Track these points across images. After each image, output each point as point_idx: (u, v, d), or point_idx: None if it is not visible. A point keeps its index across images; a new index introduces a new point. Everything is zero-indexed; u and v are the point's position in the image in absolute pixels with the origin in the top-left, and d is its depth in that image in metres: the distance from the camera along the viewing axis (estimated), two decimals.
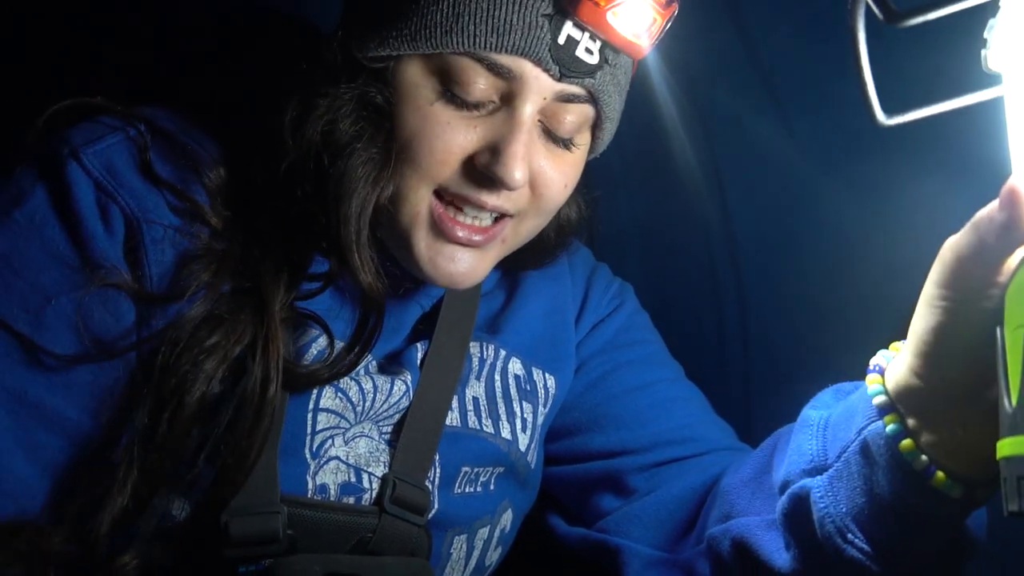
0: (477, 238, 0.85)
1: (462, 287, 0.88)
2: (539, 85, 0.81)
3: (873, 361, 0.72)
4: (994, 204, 0.59)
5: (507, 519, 0.98)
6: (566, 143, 0.85)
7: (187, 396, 0.76)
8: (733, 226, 1.22)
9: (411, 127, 0.82)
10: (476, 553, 0.95)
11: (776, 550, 0.80)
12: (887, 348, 0.73)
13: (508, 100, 0.82)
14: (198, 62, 0.98)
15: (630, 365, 1.06)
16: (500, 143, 0.81)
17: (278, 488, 0.80)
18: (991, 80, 0.59)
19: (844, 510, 0.72)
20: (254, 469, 0.78)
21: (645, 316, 1.12)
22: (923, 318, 0.64)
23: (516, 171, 0.81)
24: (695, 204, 1.26)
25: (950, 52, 0.61)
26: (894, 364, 0.69)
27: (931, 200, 1.00)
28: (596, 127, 0.88)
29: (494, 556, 0.98)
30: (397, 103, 0.82)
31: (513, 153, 0.80)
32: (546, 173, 0.85)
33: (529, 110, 0.81)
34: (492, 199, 0.83)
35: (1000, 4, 0.53)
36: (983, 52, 0.57)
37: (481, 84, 0.80)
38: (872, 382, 0.71)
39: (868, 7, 0.56)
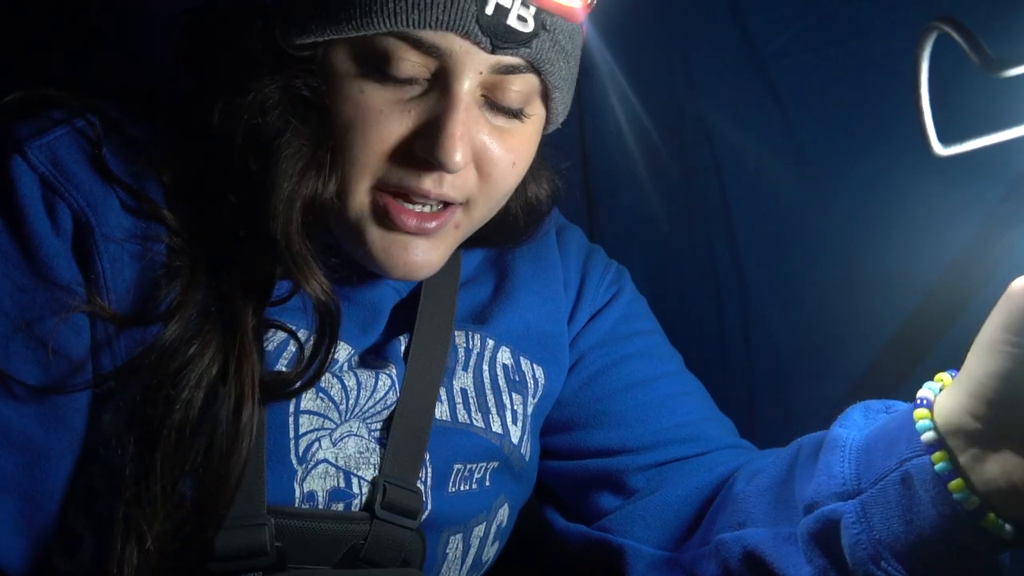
0: (430, 225, 0.82)
1: (418, 278, 0.86)
2: (471, 60, 0.77)
3: (920, 394, 0.71)
4: None
5: (503, 514, 0.96)
6: (514, 115, 0.82)
7: (168, 422, 0.74)
8: (735, 227, 1.23)
9: (344, 118, 0.79)
10: (472, 551, 0.93)
11: (794, 565, 0.79)
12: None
13: (441, 78, 0.78)
14: (151, 61, 0.95)
15: (630, 359, 1.03)
16: (435, 124, 0.77)
17: (264, 500, 0.78)
18: None
19: (878, 537, 0.71)
20: (236, 493, 0.76)
21: (643, 302, 1.09)
22: (985, 361, 0.63)
23: (455, 152, 0.77)
24: (697, 206, 1.26)
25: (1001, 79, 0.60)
26: (945, 401, 0.68)
27: (934, 203, 1.01)
28: (546, 98, 0.85)
29: (491, 551, 0.97)
30: (329, 94, 0.79)
31: (450, 133, 0.77)
32: (491, 151, 0.82)
33: (464, 87, 0.78)
34: (435, 187, 0.80)
35: None
36: None
37: (410, 64, 0.77)
38: (920, 417, 0.69)
39: (939, 39, 0.54)
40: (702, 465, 0.97)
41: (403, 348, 0.91)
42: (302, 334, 0.83)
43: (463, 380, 0.94)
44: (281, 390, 0.80)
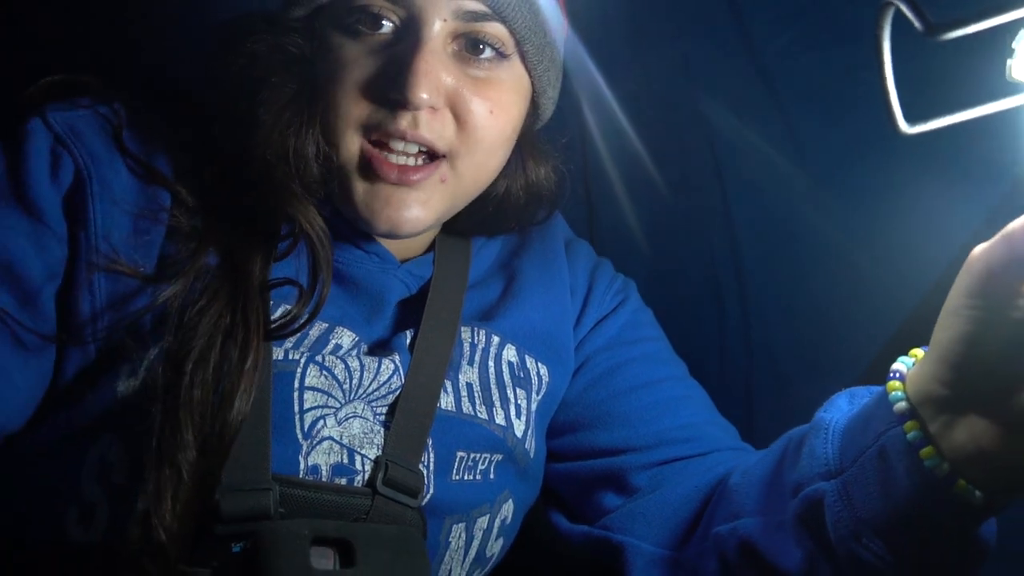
0: (413, 176, 0.86)
1: (404, 233, 0.89)
2: (434, 6, 0.84)
3: (893, 367, 0.72)
4: None
5: (508, 510, 0.97)
6: (488, 64, 0.88)
7: (191, 356, 0.77)
8: (735, 228, 1.23)
9: (326, 70, 0.86)
10: (476, 543, 0.94)
11: (785, 551, 0.80)
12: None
13: (410, 25, 0.85)
14: (185, 56, 1.02)
15: (634, 362, 1.05)
16: (402, 63, 0.83)
17: (269, 466, 0.80)
18: (1012, 88, 0.60)
19: (859, 514, 0.73)
20: (239, 440, 0.78)
21: (649, 312, 1.12)
22: (949, 327, 0.65)
23: (419, 87, 0.82)
24: (697, 207, 1.26)
25: (971, 59, 0.61)
26: (915, 371, 0.70)
27: (934, 203, 1.02)
28: (521, 52, 0.90)
29: (495, 547, 0.98)
30: (313, 52, 0.88)
31: (413, 69, 0.82)
32: (465, 97, 0.87)
33: (430, 30, 0.84)
34: (411, 128, 0.85)
35: None
36: (1008, 62, 0.57)
37: (380, 15, 0.85)
38: (892, 388, 0.71)
39: (896, 15, 0.56)
40: (703, 465, 0.99)
41: (408, 341, 0.93)
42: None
43: (469, 375, 0.95)
44: (285, 327, 0.83)
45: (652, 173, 1.26)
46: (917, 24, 0.54)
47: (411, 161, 0.87)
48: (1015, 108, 0.60)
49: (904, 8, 0.54)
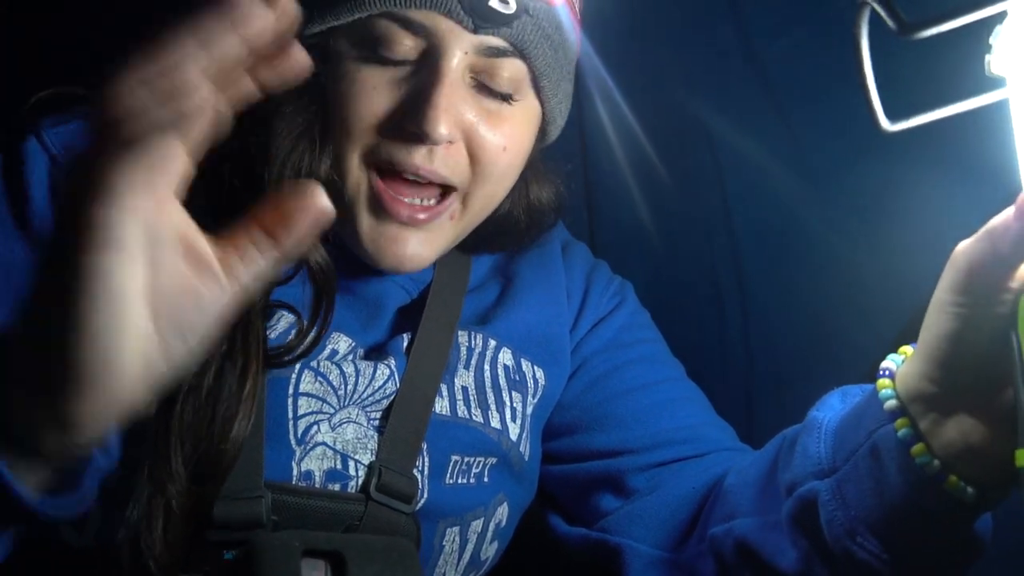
0: (421, 216, 0.85)
1: (408, 270, 0.89)
2: (455, 39, 0.82)
3: (883, 365, 0.72)
4: (1009, 212, 0.60)
5: (503, 513, 0.97)
6: (504, 98, 0.86)
7: (184, 387, 0.76)
8: (736, 231, 1.23)
9: (340, 94, 0.84)
10: (470, 546, 0.94)
11: (780, 551, 0.80)
12: (893, 352, 0.74)
13: (429, 57, 0.83)
14: None
15: (632, 364, 1.05)
16: (421, 96, 0.82)
17: (262, 473, 0.80)
18: (993, 84, 0.60)
19: (853, 513, 0.72)
20: (237, 458, 0.78)
21: (646, 314, 1.12)
22: (935, 324, 0.65)
23: (438, 122, 0.81)
24: (697, 209, 1.26)
25: (950, 56, 0.61)
26: (905, 368, 0.70)
27: (934, 204, 1.01)
28: (537, 89, 0.89)
29: (490, 551, 0.98)
30: (327, 76, 0.85)
31: (433, 104, 0.81)
32: (480, 132, 0.86)
33: (450, 63, 0.82)
34: (425, 162, 0.83)
35: (1007, 12, 0.54)
36: (987, 57, 0.58)
37: (400, 43, 0.82)
38: (882, 386, 0.71)
39: (873, 15, 0.57)
40: (701, 466, 0.98)
41: (405, 345, 0.93)
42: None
43: (464, 378, 0.95)
44: (283, 356, 0.83)
45: (652, 175, 1.26)
46: (891, 23, 0.55)
47: (424, 201, 0.86)
48: (996, 103, 0.60)
49: (878, 8, 0.55)
